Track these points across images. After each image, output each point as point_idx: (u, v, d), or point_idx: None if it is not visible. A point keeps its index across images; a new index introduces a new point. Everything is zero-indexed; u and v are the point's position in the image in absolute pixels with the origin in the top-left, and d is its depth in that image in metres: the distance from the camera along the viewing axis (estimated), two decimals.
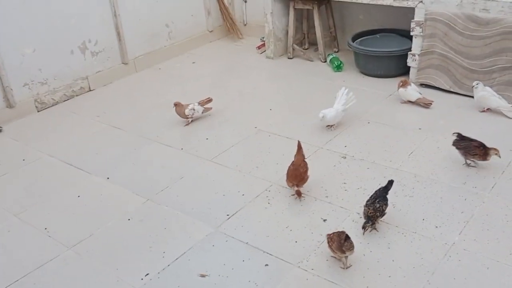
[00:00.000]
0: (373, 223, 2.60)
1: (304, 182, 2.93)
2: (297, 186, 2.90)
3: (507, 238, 2.56)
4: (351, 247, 2.36)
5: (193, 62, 5.26)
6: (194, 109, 3.87)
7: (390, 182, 2.73)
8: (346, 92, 3.75)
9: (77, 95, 4.59)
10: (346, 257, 2.42)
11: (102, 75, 4.76)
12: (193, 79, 4.83)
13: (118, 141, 3.80)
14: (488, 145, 3.07)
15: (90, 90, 4.68)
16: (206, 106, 3.98)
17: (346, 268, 2.43)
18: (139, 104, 4.36)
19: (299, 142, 3.07)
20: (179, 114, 3.88)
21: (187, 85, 4.70)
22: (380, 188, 2.73)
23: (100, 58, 4.73)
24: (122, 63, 4.92)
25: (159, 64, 5.20)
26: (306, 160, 3.01)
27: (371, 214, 2.59)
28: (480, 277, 2.34)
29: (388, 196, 2.67)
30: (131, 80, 4.88)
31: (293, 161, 2.99)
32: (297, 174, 2.91)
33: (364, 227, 2.59)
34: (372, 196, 2.68)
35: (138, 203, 3.05)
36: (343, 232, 2.39)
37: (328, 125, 3.69)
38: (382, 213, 2.61)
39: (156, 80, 4.88)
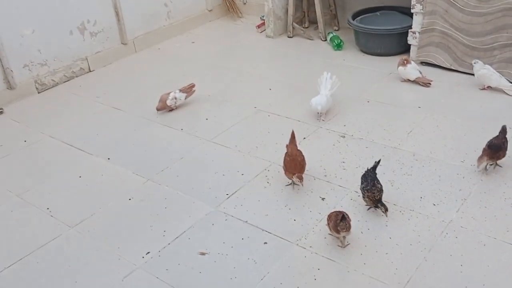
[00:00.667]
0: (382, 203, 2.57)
1: (304, 170, 2.85)
2: (297, 176, 2.78)
3: (505, 215, 2.58)
4: (345, 228, 2.37)
5: (193, 42, 5.23)
6: (175, 98, 3.78)
7: (378, 162, 2.70)
8: (330, 76, 3.63)
9: (77, 76, 4.58)
10: (343, 237, 2.45)
11: (102, 56, 4.75)
12: (193, 59, 4.81)
13: (118, 122, 3.82)
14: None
15: (90, 71, 4.68)
16: (189, 91, 3.88)
17: (344, 247, 2.46)
18: (139, 85, 4.36)
19: (293, 131, 2.99)
20: (162, 108, 3.79)
21: (187, 65, 4.69)
22: (369, 170, 2.66)
23: (99, 39, 4.71)
24: (121, 43, 4.90)
25: (159, 44, 5.17)
26: (299, 148, 2.94)
27: (378, 196, 2.56)
28: (476, 254, 2.37)
29: (384, 175, 2.68)
30: (131, 61, 4.87)
31: (287, 152, 2.90)
32: (296, 164, 2.83)
33: (386, 209, 2.55)
34: (367, 180, 2.61)
35: (138, 183, 3.08)
36: (340, 212, 2.41)
37: (321, 114, 3.55)
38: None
39: (156, 60, 4.87)
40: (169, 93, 3.81)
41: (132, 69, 4.71)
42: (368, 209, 2.67)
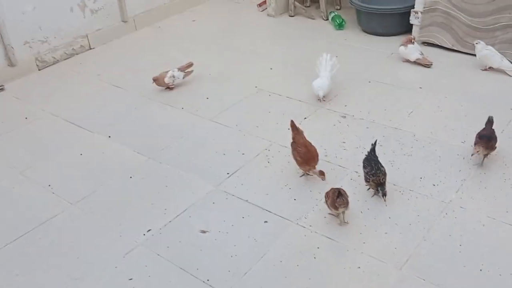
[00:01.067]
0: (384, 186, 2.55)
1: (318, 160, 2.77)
2: (321, 172, 2.68)
3: (504, 196, 2.60)
4: (343, 204, 2.40)
5: (193, 20, 5.18)
6: (174, 76, 3.77)
7: (374, 143, 2.66)
8: (329, 57, 3.57)
9: (77, 54, 4.56)
10: (342, 213, 2.47)
11: (102, 33, 4.71)
12: (193, 38, 4.77)
13: (119, 100, 3.81)
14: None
15: (90, 49, 4.65)
16: (187, 70, 3.86)
17: (343, 224, 2.48)
18: (139, 63, 4.34)
19: (292, 121, 2.86)
20: (159, 85, 3.78)
21: (187, 43, 4.66)
22: (370, 153, 2.63)
23: (99, 16, 4.66)
24: (122, 21, 4.86)
25: (159, 22, 5.13)
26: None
27: (383, 180, 2.55)
28: (475, 234, 2.39)
29: (384, 155, 2.66)
30: (131, 39, 4.84)
31: (298, 143, 2.76)
32: (312, 155, 2.71)
33: (384, 194, 2.53)
34: (371, 164, 2.58)
35: (139, 161, 3.09)
36: (337, 189, 2.43)
37: (321, 97, 3.49)
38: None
39: (156, 38, 4.84)
40: (167, 71, 3.79)
41: (132, 47, 4.67)
42: (368, 189, 2.68)
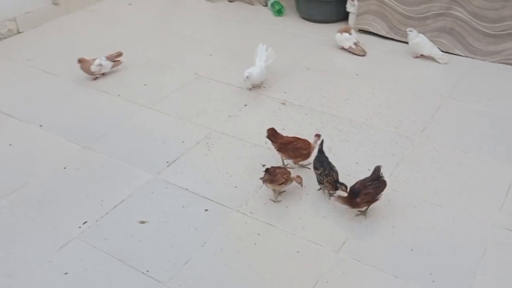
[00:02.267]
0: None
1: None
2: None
3: (433, 178, 2.73)
4: (265, 180, 2.52)
5: (129, 4, 5.02)
6: (101, 65, 3.61)
7: (322, 143, 2.66)
8: (265, 48, 3.57)
9: (4, 38, 4.30)
10: (273, 191, 2.57)
11: (31, 17, 4.46)
12: (130, 22, 4.63)
13: (51, 86, 3.64)
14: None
15: (19, 33, 4.39)
16: (116, 59, 3.71)
17: (277, 202, 2.57)
18: (72, 48, 4.15)
19: (271, 129, 2.79)
20: (84, 71, 3.60)
21: (123, 28, 4.51)
22: (321, 154, 2.62)
23: None
24: (53, 3, 4.62)
25: (93, 5, 4.92)
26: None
27: (336, 177, 2.53)
28: (407, 216, 2.50)
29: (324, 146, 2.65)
30: (63, 22, 4.62)
31: (292, 142, 2.72)
32: (307, 142, 2.73)
33: (347, 187, 2.47)
34: (323, 165, 2.55)
35: (74, 151, 2.97)
36: (272, 167, 2.55)
37: (254, 85, 3.50)
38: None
39: (90, 22, 4.64)
40: (94, 59, 3.60)
41: (65, 31, 4.46)
42: (319, 189, 2.64)
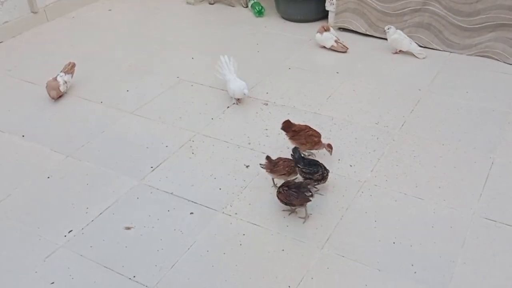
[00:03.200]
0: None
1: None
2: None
3: (414, 172, 2.78)
4: (268, 167, 2.62)
5: (109, 10, 5.01)
6: (66, 81, 3.53)
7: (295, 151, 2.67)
8: (227, 58, 3.46)
9: None
10: (272, 179, 2.71)
11: (10, 26, 4.44)
12: (110, 28, 4.62)
13: (32, 96, 3.62)
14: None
15: None
16: (72, 70, 3.62)
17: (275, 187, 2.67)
18: (52, 57, 4.14)
19: (287, 121, 2.89)
20: (53, 95, 3.48)
21: (104, 34, 4.50)
22: (311, 159, 2.68)
23: (6, 8, 4.38)
24: (31, 12, 4.60)
25: (72, 12, 4.91)
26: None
27: (319, 176, 2.57)
28: (389, 210, 2.55)
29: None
30: (43, 31, 4.60)
31: (304, 130, 2.84)
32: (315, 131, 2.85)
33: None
34: (319, 167, 2.59)
35: (57, 160, 2.97)
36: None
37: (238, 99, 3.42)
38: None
39: (70, 30, 4.63)
40: (56, 78, 3.51)
41: (44, 40, 4.45)
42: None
